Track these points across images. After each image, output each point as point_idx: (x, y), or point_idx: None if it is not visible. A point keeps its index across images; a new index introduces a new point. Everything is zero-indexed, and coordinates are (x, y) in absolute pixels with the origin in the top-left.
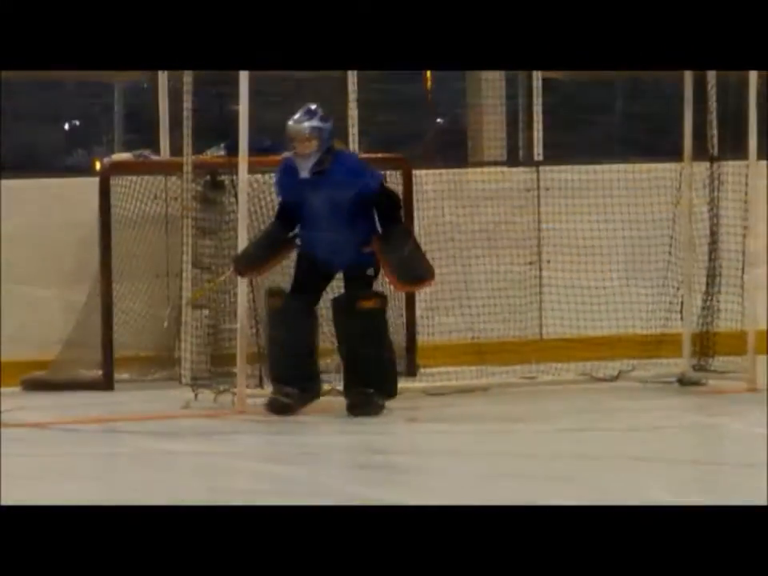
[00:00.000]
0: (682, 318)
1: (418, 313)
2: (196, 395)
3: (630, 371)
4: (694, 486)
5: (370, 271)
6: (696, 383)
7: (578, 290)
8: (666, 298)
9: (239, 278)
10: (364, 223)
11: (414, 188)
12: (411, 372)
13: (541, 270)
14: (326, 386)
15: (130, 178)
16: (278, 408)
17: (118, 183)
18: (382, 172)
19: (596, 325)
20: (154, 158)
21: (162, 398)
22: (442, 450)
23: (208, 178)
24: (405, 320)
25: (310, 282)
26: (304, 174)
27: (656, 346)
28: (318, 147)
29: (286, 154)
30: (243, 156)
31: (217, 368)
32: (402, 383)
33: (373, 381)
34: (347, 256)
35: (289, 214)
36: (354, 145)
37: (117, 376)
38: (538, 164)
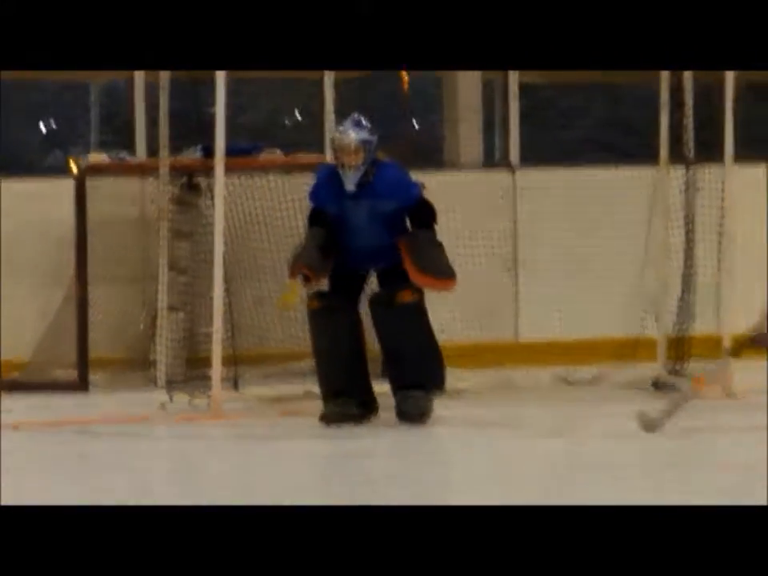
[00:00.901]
0: (657, 322)
1: None
2: (171, 398)
3: (605, 375)
4: (671, 489)
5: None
6: (671, 387)
7: (553, 293)
8: (641, 302)
9: (304, 283)
10: (400, 231)
11: None
12: (385, 375)
13: (517, 273)
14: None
15: (106, 179)
16: (335, 419)
17: (94, 185)
18: (421, 181)
19: (571, 329)
20: (131, 159)
21: (137, 400)
22: (414, 454)
23: (184, 180)
24: None
25: (346, 284)
26: (350, 186)
27: (631, 350)
28: (364, 160)
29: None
30: (220, 158)
31: (192, 371)
32: (377, 387)
33: (420, 375)
34: (382, 261)
35: (323, 221)
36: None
37: (92, 378)
38: (514, 168)
